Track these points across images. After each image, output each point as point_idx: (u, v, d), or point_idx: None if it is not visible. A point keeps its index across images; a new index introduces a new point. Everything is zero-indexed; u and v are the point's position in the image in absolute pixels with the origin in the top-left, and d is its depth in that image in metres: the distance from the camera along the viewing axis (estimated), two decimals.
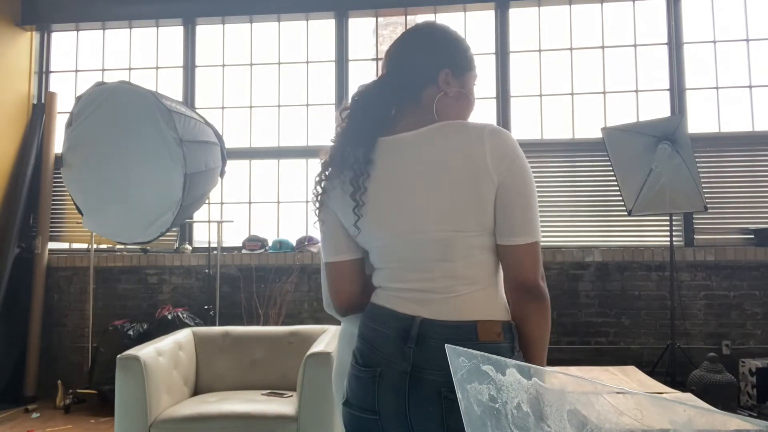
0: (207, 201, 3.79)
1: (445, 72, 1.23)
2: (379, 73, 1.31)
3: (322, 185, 1.23)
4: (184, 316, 4.16)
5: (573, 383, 0.55)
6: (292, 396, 2.88)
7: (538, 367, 0.57)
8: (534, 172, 1.17)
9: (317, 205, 1.24)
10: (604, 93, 4.52)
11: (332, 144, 1.25)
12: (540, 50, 4.59)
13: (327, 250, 1.27)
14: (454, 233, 1.12)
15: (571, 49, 4.57)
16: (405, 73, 1.24)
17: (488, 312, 1.12)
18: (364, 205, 1.17)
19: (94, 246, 4.53)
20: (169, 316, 4.12)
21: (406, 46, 1.27)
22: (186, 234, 4.75)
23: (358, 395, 1.17)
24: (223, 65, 4.91)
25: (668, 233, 3.94)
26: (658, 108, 4.43)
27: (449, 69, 1.23)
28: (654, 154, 3.74)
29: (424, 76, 1.23)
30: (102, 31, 5.05)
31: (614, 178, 3.99)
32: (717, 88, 4.41)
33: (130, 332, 4.14)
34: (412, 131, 1.18)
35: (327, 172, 1.23)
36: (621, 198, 3.95)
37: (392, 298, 1.17)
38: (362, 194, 1.16)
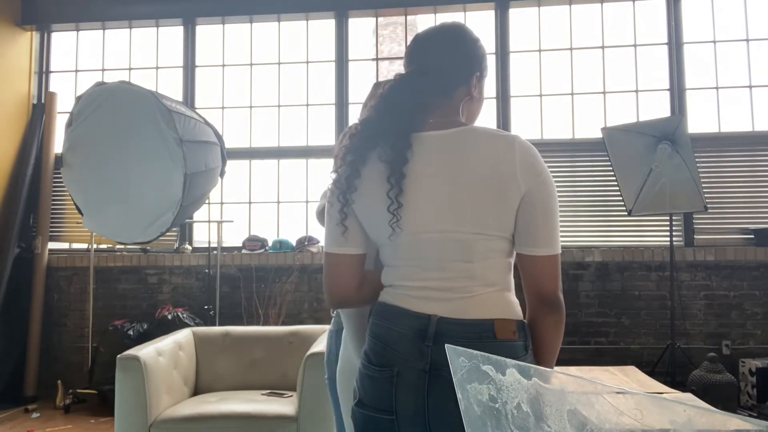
0: (207, 201, 3.79)
1: (476, 76, 1.26)
2: (406, 64, 1.29)
3: (350, 182, 1.19)
4: (184, 316, 4.16)
5: (573, 383, 0.55)
6: (292, 396, 2.88)
7: (539, 367, 0.58)
8: None
9: (342, 200, 1.20)
10: (604, 93, 4.52)
11: (357, 136, 1.22)
12: (540, 50, 4.59)
13: (331, 240, 1.24)
14: (474, 235, 1.14)
15: (571, 49, 4.57)
16: (443, 70, 1.24)
17: (504, 311, 1.15)
18: (402, 207, 1.15)
19: (94, 246, 4.53)
20: (169, 316, 4.12)
21: (447, 44, 1.27)
22: (186, 234, 4.75)
23: (372, 395, 1.16)
24: (223, 65, 4.90)
25: (668, 233, 3.94)
26: (658, 108, 4.43)
27: (479, 73, 1.27)
28: (654, 154, 3.74)
29: (460, 77, 1.25)
30: (102, 31, 5.05)
31: (614, 178, 3.99)
32: (717, 88, 4.41)
33: (130, 332, 4.14)
34: (441, 131, 1.18)
35: (353, 168, 1.19)
36: (621, 198, 3.95)
37: (404, 296, 1.17)
38: (399, 194, 1.14)
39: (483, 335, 1.11)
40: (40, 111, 4.89)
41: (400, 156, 1.15)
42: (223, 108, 4.87)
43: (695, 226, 4.29)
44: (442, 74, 1.24)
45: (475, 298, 1.14)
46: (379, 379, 1.15)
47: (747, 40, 4.41)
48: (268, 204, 4.80)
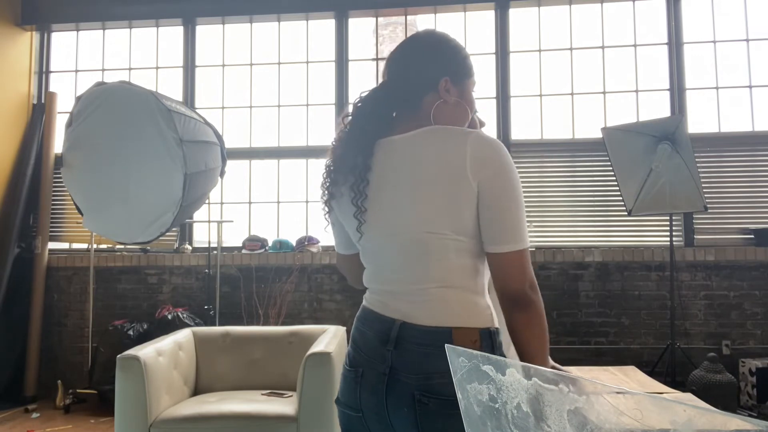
0: (207, 201, 3.79)
1: (444, 80, 1.24)
2: (380, 78, 1.32)
3: (330, 190, 1.26)
4: (184, 316, 4.16)
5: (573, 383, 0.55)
6: (292, 396, 2.88)
7: (539, 367, 0.58)
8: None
9: (326, 209, 1.29)
10: (604, 93, 4.52)
11: (334, 148, 1.27)
12: (540, 50, 4.59)
13: (339, 246, 1.37)
14: (428, 235, 1.13)
15: (571, 49, 4.57)
16: (406, 81, 1.25)
17: (466, 318, 1.12)
18: (366, 212, 1.19)
19: (94, 246, 4.53)
20: (169, 316, 4.12)
21: (407, 54, 1.29)
22: (186, 234, 4.75)
23: (345, 394, 1.22)
24: (223, 65, 4.91)
25: (668, 233, 3.94)
26: (658, 108, 4.43)
27: (448, 77, 1.24)
28: (654, 154, 3.74)
29: (424, 84, 1.24)
30: (102, 31, 5.05)
31: (614, 178, 3.99)
32: (717, 88, 4.41)
33: (130, 332, 4.14)
34: (402, 135, 1.20)
35: (331, 177, 1.25)
36: (621, 198, 3.95)
37: (376, 300, 1.21)
38: (363, 200, 1.19)
39: (440, 344, 1.10)
40: (40, 111, 4.89)
41: (363, 164, 1.19)
42: (223, 108, 4.87)
43: (695, 226, 4.29)
44: (405, 86, 1.25)
45: (435, 301, 1.13)
46: (349, 379, 1.21)
47: (747, 40, 4.41)
48: (268, 204, 4.80)
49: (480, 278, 1.16)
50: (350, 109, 1.27)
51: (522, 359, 1.13)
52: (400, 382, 1.11)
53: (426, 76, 1.24)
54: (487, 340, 1.12)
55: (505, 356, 1.14)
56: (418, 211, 1.14)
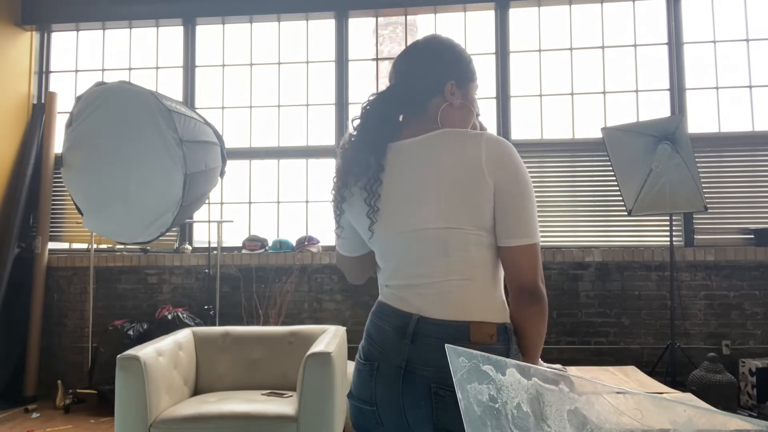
0: (207, 201, 3.79)
1: (450, 84, 1.29)
2: (381, 79, 1.36)
3: (341, 193, 1.29)
4: (184, 316, 4.16)
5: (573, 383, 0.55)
6: (292, 396, 2.88)
7: (539, 367, 0.58)
8: (534, 172, 1.21)
9: (338, 212, 1.32)
10: (604, 93, 4.52)
11: (344, 151, 1.31)
12: (540, 50, 4.59)
13: (347, 248, 1.38)
14: (448, 230, 1.17)
15: (571, 49, 4.57)
16: (413, 85, 1.30)
17: (483, 313, 1.16)
18: (378, 211, 1.23)
19: (94, 246, 4.53)
20: (169, 316, 4.12)
21: (414, 59, 1.33)
22: (186, 234, 4.75)
23: (358, 388, 1.24)
24: (223, 65, 4.90)
25: (668, 233, 3.94)
26: (658, 108, 4.43)
27: (454, 81, 1.29)
28: (654, 154, 3.74)
29: (431, 88, 1.29)
30: (102, 31, 5.05)
31: (614, 178, 3.99)
32: (717, 88, 4.41)
33: (130, 332, 4.14)
34: (414, 138, 1.25)
35: (342, 180, 1.29)
36: (621, 198, 3.95)
37: (394, 296, 1.23)
38: (376, 200, 1.23)
39: (458, 337, 1.13)
40: (40, 111, 4.89)
41: (377, 164, 1.24)
42: (223, 108, 4.87)
43: (695, 226, 4.29)
44: (412, 89, 1.30)
45: (454, 294, 1.16)
46: (363, 373, 1.23)
47: (747, 40, 4.41)
48: (268, 204, 4.80)
49: (498, 272, 1.21)
50: (359, 112, 1.31)
51: (524, 347, 1.18)
52: (416, 375, 1.13)
53: (433, 81, 1.29)
54: (503, 335, 1.15)
55: (518, 351, 1.18)
56: (437, 208, 1.18)
